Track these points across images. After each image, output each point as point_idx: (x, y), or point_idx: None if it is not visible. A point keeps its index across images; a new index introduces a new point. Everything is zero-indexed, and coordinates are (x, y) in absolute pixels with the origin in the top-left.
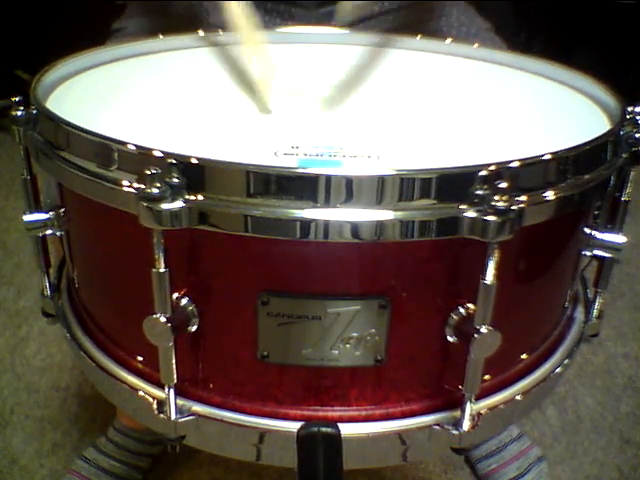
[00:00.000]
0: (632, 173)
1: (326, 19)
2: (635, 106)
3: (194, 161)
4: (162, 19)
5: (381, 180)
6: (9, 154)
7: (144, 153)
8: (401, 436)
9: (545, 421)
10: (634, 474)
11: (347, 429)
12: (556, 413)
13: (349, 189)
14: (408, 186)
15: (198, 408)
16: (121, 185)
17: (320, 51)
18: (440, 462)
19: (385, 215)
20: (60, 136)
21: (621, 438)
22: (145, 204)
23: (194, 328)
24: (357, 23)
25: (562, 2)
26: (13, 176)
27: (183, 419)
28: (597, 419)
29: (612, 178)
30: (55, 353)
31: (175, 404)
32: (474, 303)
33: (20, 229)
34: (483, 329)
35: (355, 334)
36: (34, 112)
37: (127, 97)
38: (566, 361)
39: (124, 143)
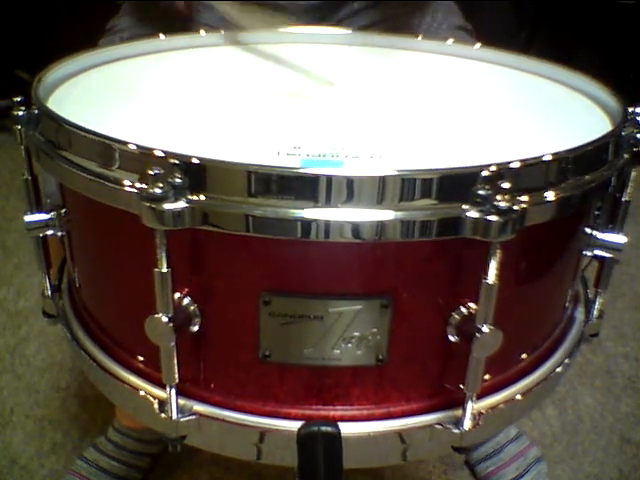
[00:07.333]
0: (633, 173)
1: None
2: (636, 106)
3: (196, 161)
4: (154, 19)
5: (382, 180)
6: (9, 154)
7: (146, 153)
8: (402, 435)
9: (545, 421)
10: (634, 474)
11: (348, 428)
12: (556, 413)
13: (350, 189)
14: (409, 186)
15: (199, 408)
16: (123, 185)
17: (320, 51)
18: (440, 462)
19: (386, 215)
20: (62, 136)
21: (621, 438)
22: (147, 204)
23: (196, 328)
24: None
25: (562, 2)
26: (13, 176)
27: (184, 419)
28: (597, 419)
29: (613, 179)
30: (55, 353)
31: (176, 404)
32: (476, 303)
33: (20, 229)
34: (485, 328)
35: (357, 334)
36: (35, 112)
37: (128, 97)
38: (566, 361)
39: (126, 143)
